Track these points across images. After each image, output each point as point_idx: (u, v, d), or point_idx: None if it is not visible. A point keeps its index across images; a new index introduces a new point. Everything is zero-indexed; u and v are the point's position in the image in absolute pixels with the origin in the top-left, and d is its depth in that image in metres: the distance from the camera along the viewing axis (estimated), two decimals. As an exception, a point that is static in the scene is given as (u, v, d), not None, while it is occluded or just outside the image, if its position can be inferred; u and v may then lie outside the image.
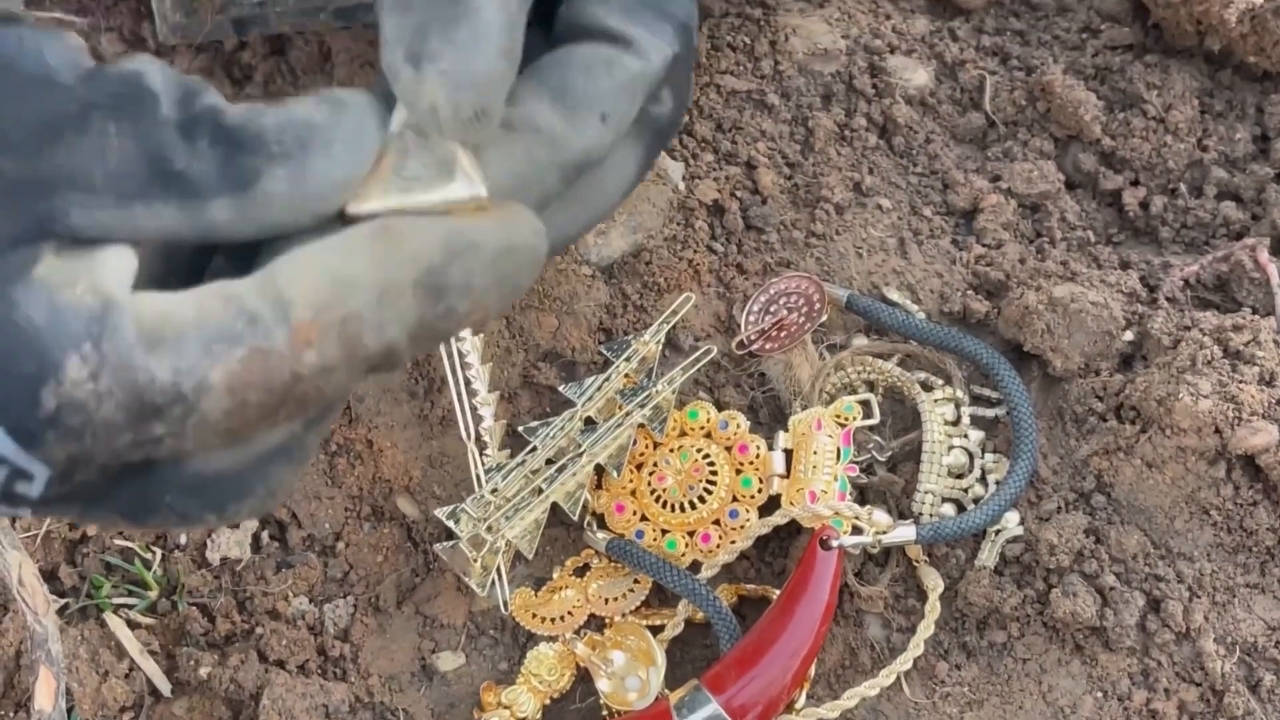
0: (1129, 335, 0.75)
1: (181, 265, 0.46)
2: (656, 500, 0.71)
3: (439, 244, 0.43)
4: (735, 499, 0.71)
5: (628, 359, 0.73)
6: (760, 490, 0.71)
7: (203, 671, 0.70)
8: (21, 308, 0.40)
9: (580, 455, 0.71)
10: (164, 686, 0.71)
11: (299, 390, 0.42)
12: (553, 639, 0.70)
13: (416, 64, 0.44)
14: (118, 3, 0.78)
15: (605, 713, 0.70)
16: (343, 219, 0.43)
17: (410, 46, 0.44)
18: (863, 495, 0.73)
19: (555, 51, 0.50)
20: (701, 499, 0.70)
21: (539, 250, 0.46)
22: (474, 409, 0.73)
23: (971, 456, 0.73)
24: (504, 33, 0.44)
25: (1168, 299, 0.78)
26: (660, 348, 0.74)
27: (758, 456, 0.71)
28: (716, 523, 0.70)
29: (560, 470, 0.71)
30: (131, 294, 0.41)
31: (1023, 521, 0.72)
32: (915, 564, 0.71)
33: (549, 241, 0.47)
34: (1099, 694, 0.69)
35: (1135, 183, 0.83)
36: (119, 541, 0.73)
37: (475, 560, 0.70)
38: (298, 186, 0.42)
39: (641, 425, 0.72)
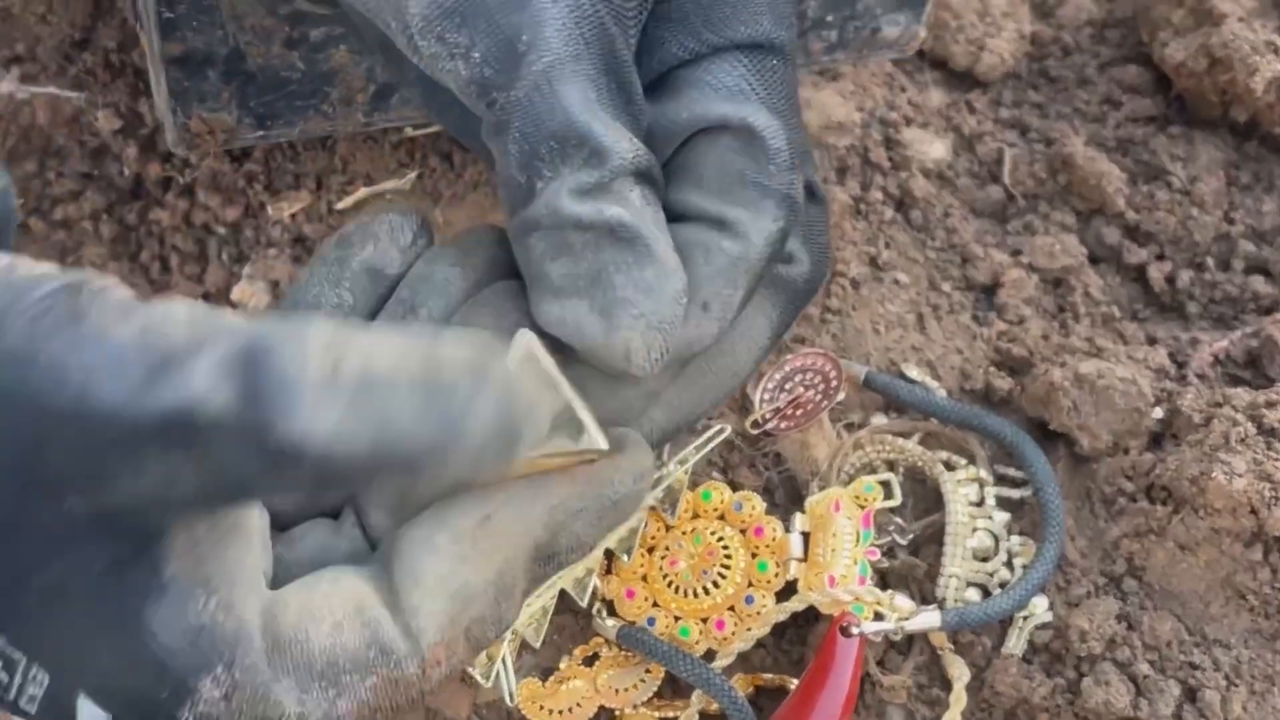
0: (1158, 413, 0.73)
1: None
2: (669, 585, 0.68)
3: (543, 524, 0.44)
4: (751, 584, 0.68)
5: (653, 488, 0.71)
6: (777, 575, 0.68)
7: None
8: (156, 633, 0.40)
9: (589, 539, 0.69)
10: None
11: (422, 699, 0.44)
12: (561, 732, 0.68)
13: (607, 314, 0.45)
14: (115, 79, 0.77)
15: (616, 810, 0.67)
16: None
17: (595, 297, 0.45)
18: (884, 580, 0.70)
19: None
20: (716, 584, 0.68)
21: (642, 492, 0.47)
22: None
23: (997, 539, 0.71)
24: (679, 274, 0.46)
25: (1197, 375, 0.76)
26: (689, 476, 0.71)
27: (774, 539, 0.69)
28: (731, 609, 0.68)
29: (568, 555, 0.69)
30: (261, 603, 0.42)
31: (1051, 607, 0.69)
32: (939, 652, 0.69)
33: (674, 424, 0.50)
34: (1135, 788, 0.66)
35: (1161, 257, 0.81)
36: None
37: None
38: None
39: (652, 507, 0.70)
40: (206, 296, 0.74)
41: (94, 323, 0.37)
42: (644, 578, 0.69)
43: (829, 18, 0.74)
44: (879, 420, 0.74)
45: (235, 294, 0.74)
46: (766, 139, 0.48)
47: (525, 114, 0.45)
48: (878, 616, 0.67)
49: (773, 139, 0.49)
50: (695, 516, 0.70)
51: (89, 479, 0.37)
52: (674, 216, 0.49)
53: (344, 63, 0.67)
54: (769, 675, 0.68)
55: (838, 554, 0.67)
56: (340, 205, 0.76)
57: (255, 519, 0.43)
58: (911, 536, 0.71)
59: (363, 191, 0.77)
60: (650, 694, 0.68)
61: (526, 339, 0.44)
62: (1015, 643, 0.68)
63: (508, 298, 0.49)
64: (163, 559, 0.39)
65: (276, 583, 0.45)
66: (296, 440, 0.36)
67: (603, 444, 0.44)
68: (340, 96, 0.69)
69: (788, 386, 0.72)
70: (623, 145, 0.45)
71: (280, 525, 0.47)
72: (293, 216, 0.76)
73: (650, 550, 0.70)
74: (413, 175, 0.77)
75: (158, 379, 0.36)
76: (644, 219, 0.46)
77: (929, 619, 0.67)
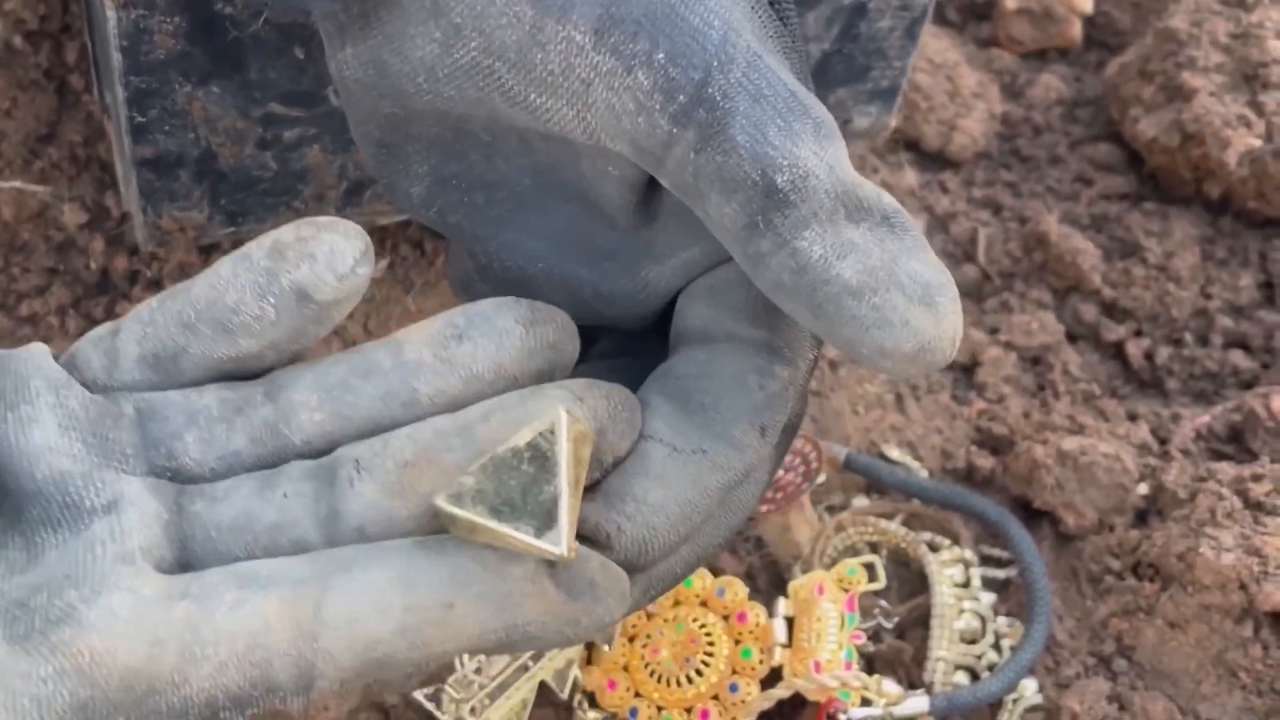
0: (1143, 489, 0.72)
1: None
2: (651, 675, 0.67)
3: (496, 635, 0.42)
4: (735, 671, 0.67)
5: None
6: (761, 661, 0.67)
7: None
8: None
9: (569, 629, 0.68)
10: None
11: None
12: (543, 829, 0.66)
13: (929, 302, 0.42)
14: (80, 173, 0.76)
15: None
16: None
17: (904, 287, 0.42)
18: (870, 664, 0.69)
19: (683, 362, 0.48)
20: (699, 672, 0.67)
21: (613, 624, 0.45)
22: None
23: (984, 620, 0.70)
24: None
25: (1180, 451, 0.75)
26: None
27: (757, 625, 0.67)
28: (716, 698, 0.67)
29: (548, 646, 0.68)
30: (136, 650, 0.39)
31: (1041, 689, 0.68)
32: (929, 737, 0.67)
33: (698, 556, 0.47)
34: None
35: (1139, 333, 0.81)
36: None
37: (458, 745, 0.66)
38: None
39: (633, 595, 0.69)
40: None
41: None
42: (625, 667, 0.68)
43: (800, 110, 0.74)
44: (860, 502, 0.74)
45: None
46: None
47: (749, 93, 0.42)
48: (865, 702, 0.65)
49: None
50: (677, 603, 0.69)
51: None
52: (703, 335, 0.48)
53: (317, 161, 0.67)
54: (755, 765, 0.67)
55: (823, 639, 0.66)
56: (310, 295, 0.75)
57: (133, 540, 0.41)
58: (897, 619, 0.70)
59: (333, 281, 0.76)
60: (634, 787, 0.67)
61: (563, 415, 0.42)
62: (1006, 726, 0.67)
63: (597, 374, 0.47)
64: None
65: (188, 555, 0.42)
66: None
67: (561, 551, 0.42)
68: (313, 193, 0.68)
69: (767, 469, 0.71)
70: (832, 120, 0.43)
71: (205, 479, 0.44)
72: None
73: (631, 639, 0.68)
74: (384, 264, 0.76)
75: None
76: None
77: (917, 704, 0.65)
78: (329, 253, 0.44)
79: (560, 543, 0.41)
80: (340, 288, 0.44)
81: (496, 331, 0.45)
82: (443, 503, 0.41)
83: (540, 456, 0.41)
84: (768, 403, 0.46)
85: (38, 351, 0.45)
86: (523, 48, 0.44)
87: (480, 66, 0.44)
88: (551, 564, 0.42)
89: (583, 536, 0.44)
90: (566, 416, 0.42)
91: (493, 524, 0.41)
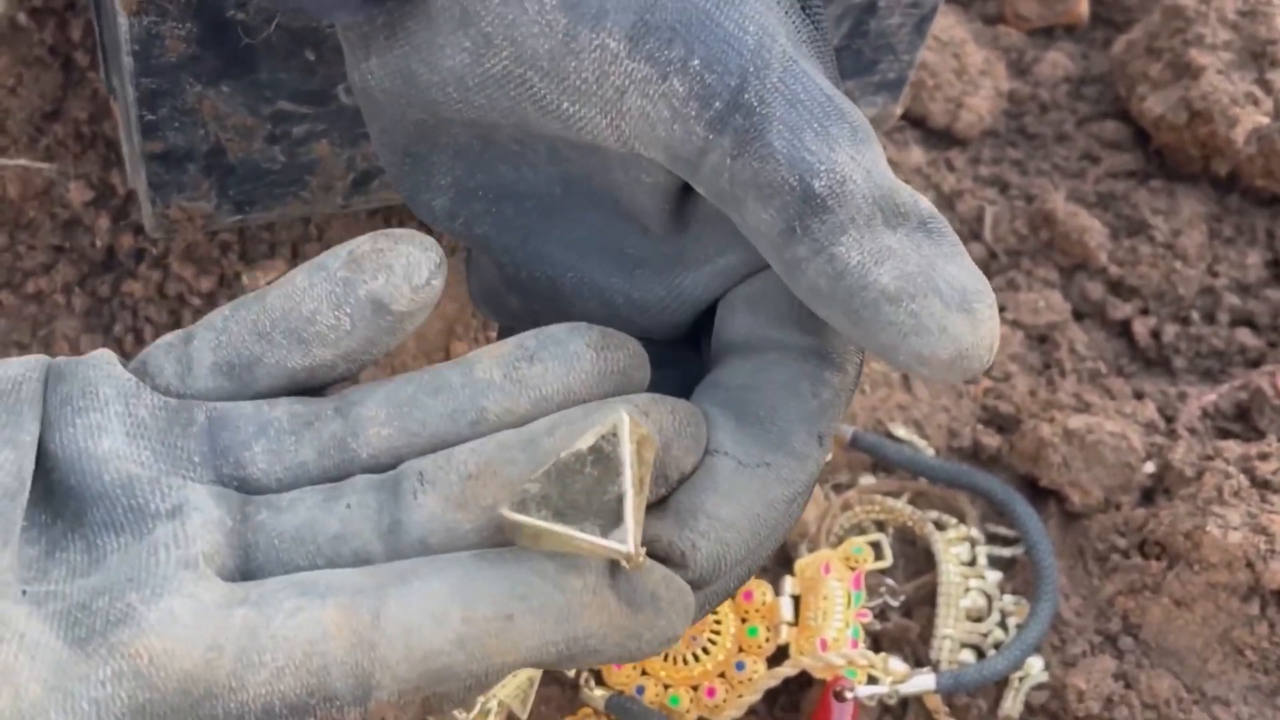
0: (1150, 467, 0.72)
1: None
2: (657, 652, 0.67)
3: (557, 647, 0.41)
4: (741, 649, 0.67)
5: None
6: (768, 639, 0.67)
7: None
8: None
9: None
10: None
11: None
12: (549, 806, 0.66)
13: (967, 308, 0.42)
14: (85, 150, 0.76)
15: None
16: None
17: (943, 292, 0.41)
18: (876, 642, 0.69)
19: (732, 372, 0.47)
20: (705, 650, 0.67)
21: (673, 638, 0.43)
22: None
23: (990, 599, 0.70)
24: None
25: (1187, 429, 0.75)
26: None
27: (764, 603, 0.67)
28: (722, 675, 0.67)
29: (554, 623, 0.68)
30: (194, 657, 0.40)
31: (1047, 667, 0.68)
32: (935, 715, 0.67)
33: (752, 568, 0.47)
34: None
35: (1145, 311, 0.81)
36: None
37: (465, 722, 0.66)
38: None
39: (639, 573, 0.68)
40: (181, 368, 0.73)
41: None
42: (632, 645, 0.68)
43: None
44: (867, 480, 0.73)
45: (211, 365, 0.73)
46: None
47: (786, 98, 0.42)
48: (871, 680, 0.66)
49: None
50: (683, 582, 0.69)
51: None
52: (748, 345, 0.48)
53: (325, 154, 0.66)
54: (762, 743, 0.67)
55: (829, 617, 0.66)
56: (316, 273, 0.75)
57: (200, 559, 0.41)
58: (903, 598, 0.70)
59: (339, 259, 0.76)
60: (640, 765, 0.67)
61: (625, 418, 0.42)
62: (1012, 704, 0.67)
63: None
64: None
65: (251, 563, 0.43)
66: None
67: (628, 549, 0.41)
68: (320, 184, 0.68)
69: (774, 448, 0.71)
70: (868, 124, 0.43)
71: (271, 490, 0.45)
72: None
73: (638, 617, 0.68)
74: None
75: None
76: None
77: (923, 682, 0.66)
78: (405, 264, 0.45)
79: (627, 540, 0.40)
80: (415, 299, 0.45)
81: (567, 355, 0.45)
82: (507, 511, 0.41)
83: (604, 459, 0.41)
84: (821, 410, 0.46)
85: (105, 358, 0.45)
86: (555, 56, 0.43)
87: (512, 75, 0.44)
88: (614, 576, 0.42)
89: (658, 555, 0.44)
90: (629, 418, 0.41)
91: (557, 527, 0.41)
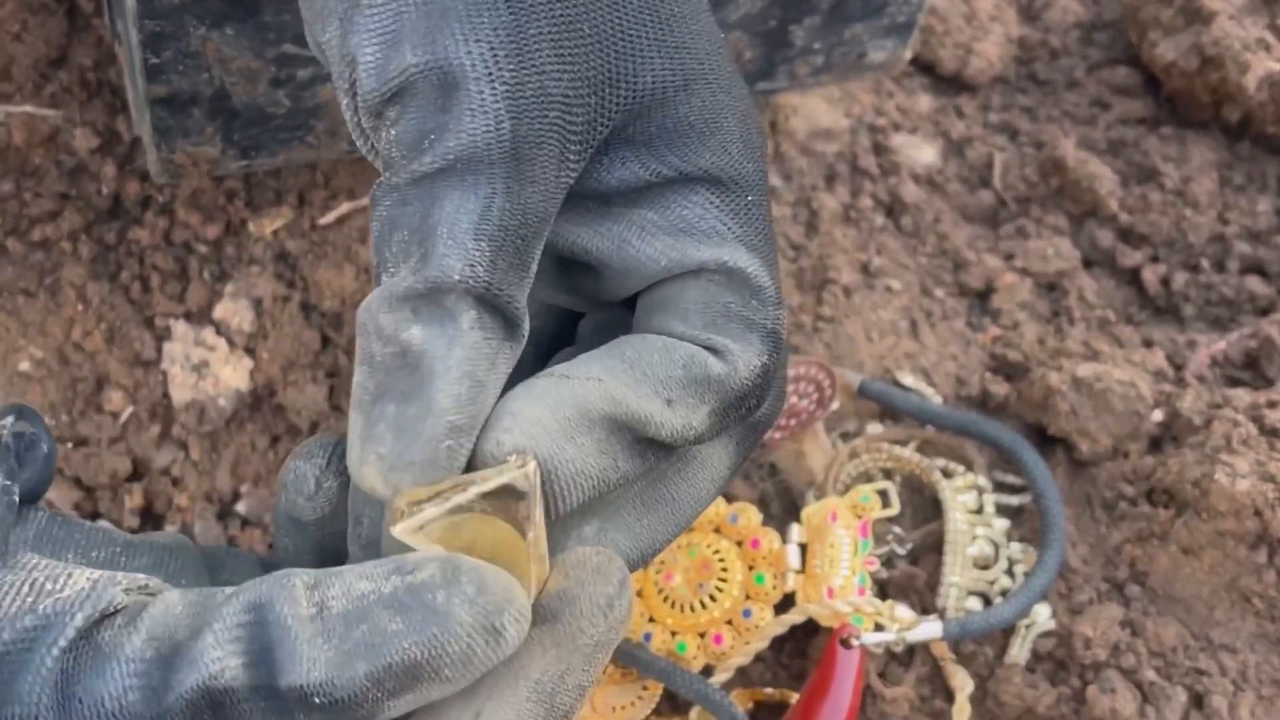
0: (1158, 415, 0.72)
1: None
2: (664, 600, 0.67)
3: (532, 702, 0.42)
4: (748, 597, 0.67)
5: None
6: (775, 587, 0.67)
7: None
8: None
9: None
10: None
11: None
12: (557, 752, 0.66)
13: (363, 443, 0.43)
14: (91, 97, 0.76)
15: (615, 830, 0.65)
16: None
17: (368, 419, 0.43)
18: (883, 590, 0.69)
19: (627, 340, 0.48)
20: (712, 598, 0.67)
21: (623, 611, 0.44)
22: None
23: (997, 547, 0.70)
24: (455, 410, 0.43)
25: (1196, 377, 0.75)
26: None
27: (771, 551, 0.67)
28: (729, 623, 0.67)
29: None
30: None
31: (1054, 614, 0.68)
32: (942, 662, 0.67)
33: (639, 551, 0.48)
34: (1143, 798, 0.65)
35: (1155, 259, 0.81)
36: None
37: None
38: None
39: (646, 521, 0.68)
40: (188, 316, 0.73)
41: (114, 651, 0.40)
42: (639, 592, 0.68)
43: (816, 45, 0.73)
44: (874, 429, 0.73)
45: (217, 313, 0.73)
46: (750, 276, 0.47)
47: (395, 201, 0.44)
48: (878, 628, 0.66)
49: (756, 276, 0.47)
50: (690, 529, 0.69)
51: None
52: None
53: (330, 98, 0.66)
54: (769, 690, 0.67)
55: (836, 565, 0.66)
56: (323, 221, 0.75)
57: None
58: (910, 546, 0.70)
59: (345, 206, 0.76)
60: (648, 711, 0.67)
61: (530, 468, 0.43)
62: (1018, 651, 0.67)
63: None
64: None
65: None
66: (300, 686, 0.39)
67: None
68: (326, 128, 0.68)
69: (781, 396, 0.71)
70: (452, 261, 0.43)
71: None
72: (275, 233, 0.75)
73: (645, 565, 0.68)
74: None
75: (172, 674, 0.40)
76: (447, 346, 0.43)
77: (930, 629, 0.66)
78: (294, 479, 0.48)
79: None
80: (314, 506, 0.48)
81: None
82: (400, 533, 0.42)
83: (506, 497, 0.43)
84: (685, 382, 0.46)
85: None
86: None
87: None
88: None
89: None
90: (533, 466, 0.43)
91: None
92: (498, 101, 0.43)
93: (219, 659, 0.39)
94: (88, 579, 0.42)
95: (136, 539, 0.48)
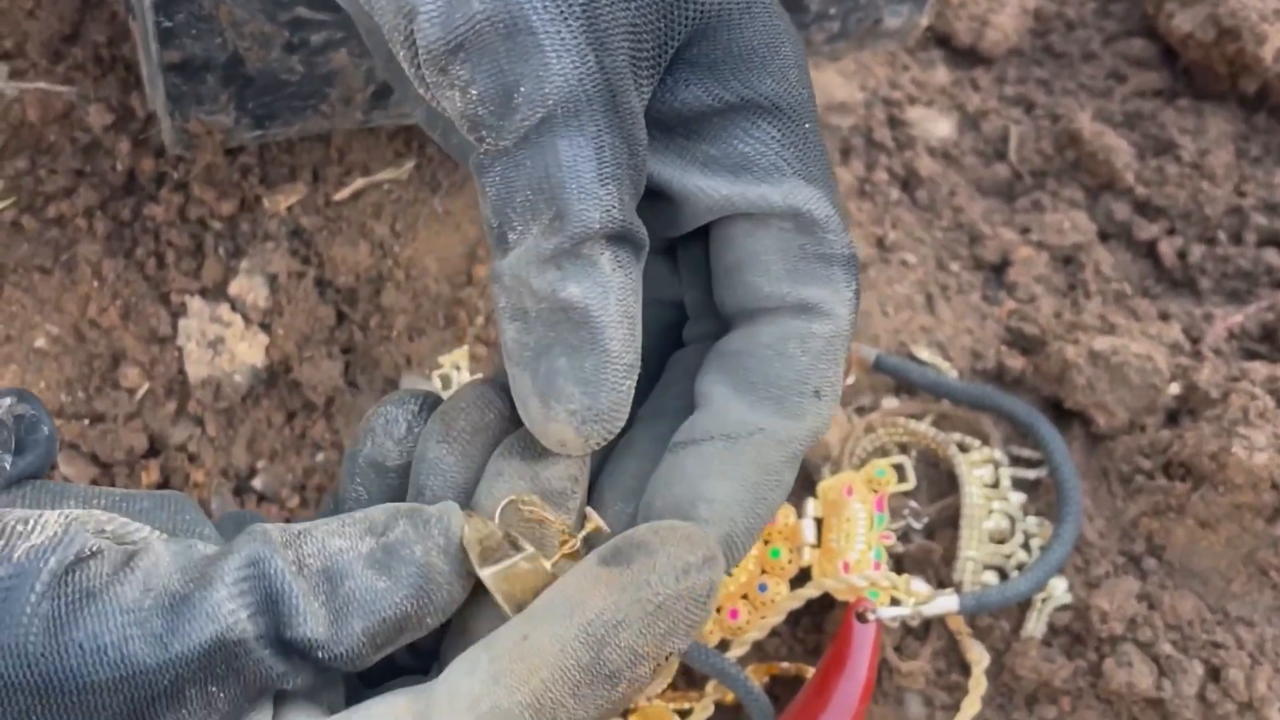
0: (1175, 388, 0.72)
1: None
2: (680, 575, 0.67)
3: (581, 641, 0.42)
4: (764, 571, 0.67)
5: None
6: (790, 561, 0.67)
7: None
8: None
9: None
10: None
11: None
12: (573, 726, 0.66)
13: (545, 401, 0.44)
14: (105, 74, 0.76)
15: (631, 804, 0.65)
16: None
17: (539, 376, 0.44)
18: (899, 564, 0.69)
19: (733, 338, 0.48)
20: (728, 572, 0.67)
21: (696, 590, 0.43)
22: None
23: (1013, 520, 0.70)
24: (626, 351, 0.44)
25: (1212, 350, 0.75)
26: None
27: (786, 525, 0.67)
28: (745, 597, 0.67)
29: (577, 546, 0.68)
30: None
31: (1070, 588, 0.68)
32: (958, 636, 0.67)
33: (768, 519, 0.47)
34: (1160, 771, 0.65)
35: (1172, 231, 0.80)
36: None
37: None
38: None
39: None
40: (204, 292, 0.73)
41: (111, 599, 0.41)
42: (655, 567, 0.68)
43: (831, 10, 0.72)
44: (890, 403, 0.73)
45: (232, 289, 0.73)
46: (814, 212, 0.47)
47: (507, 164, 0.44)
48: (894, 602, 0.66)
49: (820, 210, 0.47)
50: (706, 504, 0.69)
51: None
52: (752, 309, 0.48)
53: (344, 64, 0.66)
54: (785, 664, 0.67)
55: (851, 539, 0.66)
56: (338, 196, 0.75)
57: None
58: (926, 520, 0.70)
59: (360, 182, 0.76)
60: (664, 686, 0.66)
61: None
62: (1035, 625, 0.67)
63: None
64: None
65: None
66: (305, 639, 0.41)
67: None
68: (340, 96, 0.68)
69: (797, 370, 0.71)
70: (590, 212, 0.43)
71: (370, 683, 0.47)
72: (289, 209, 0.75)
73: (661, 539, 0.68)
74: (410, 165, 0.76)
75: (178, 624, 0.41)
76: (603, 294, 0.44)
77: (946, 603, 0.65)
78: (384, 423, 0.49)
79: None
80: (402, 449, 0.48)
81: None
82: (482, 571, 0.44)
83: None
84: (813, 365, 0.46)
85: None
86: None
87: None
88: (602, 553, 0.43)
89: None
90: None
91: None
92: (577, 37, 0.43)
93: (233, 611, 0.41)
94: (58, 522, 0.42)
95: (133, 490, 0.48)
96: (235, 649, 0.41)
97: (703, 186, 0.47)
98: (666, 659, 0.43)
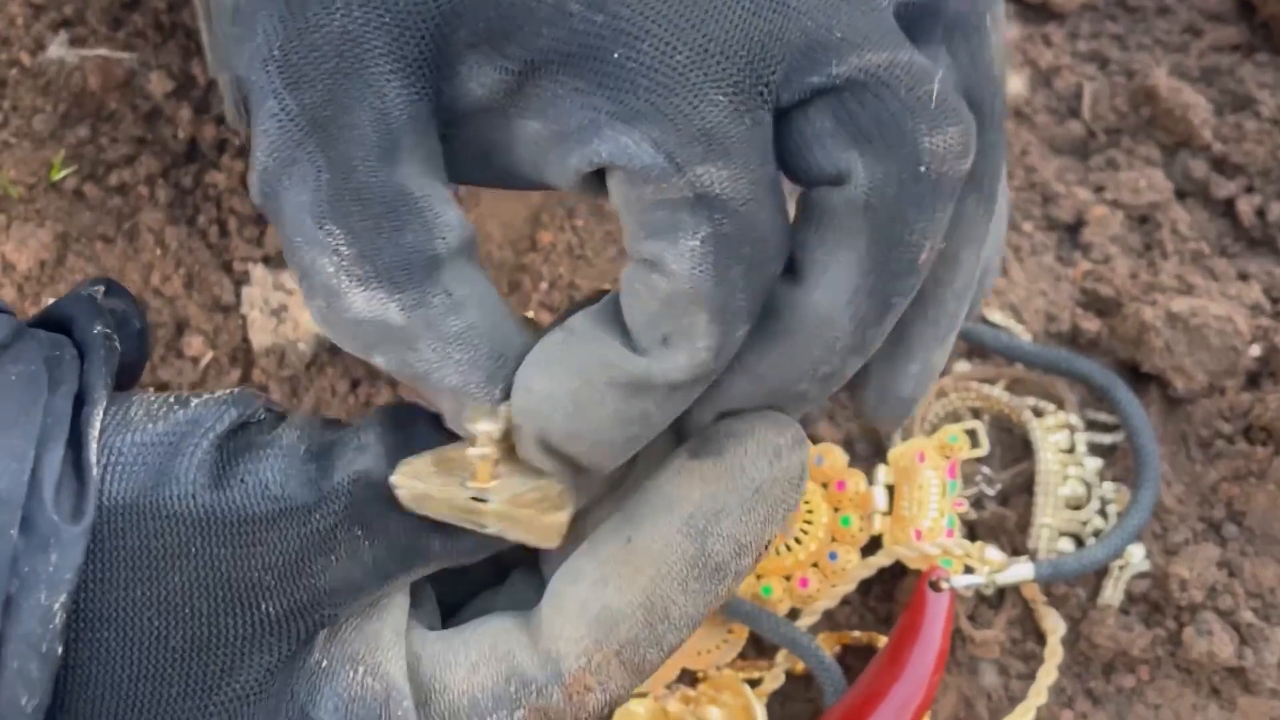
0: (1255, 350, 0.70)
1: None
2: (749, 543, 0.66)
3: (683, 534, 0.42)
4: (834, 539, 0.66)
5: None
6: (861, 529, 0.66)
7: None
8: (310, 709, 0.43)
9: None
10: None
11: None
12: (643, 696, 0.66)
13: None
14: (165, 40, 0.75)
15: (701, 775, 0.65)
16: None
17: None
18: (972, 532, 0.68)
19: None
20: (798, 540, 0.66)
21: (790, 472, 0.43)
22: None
23: (1089, 487, 0.68)
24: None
25: (1294, 311, 0.73)
26: None
27: (857, 493, 0.67)
28: (815, 565, 0.66)
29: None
30: (406, 662, 0.43)
31: (1149, 555, 0.67)
32: (1033, 605, 0.66)
33: (764, 392, 0.44)
34: (1241, 742, 0.64)
35: (1250, 189, 0.78)
36: None
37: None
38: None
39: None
40: (266, 260, 0.73)
41: (272, 442, 0.43)
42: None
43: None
44: (962, 367, 0.72)
45: (295, 256, 0.73)
46: (636, 158, 0.41)
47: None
48: (968, 570, 0.65)
49: (641, 154, 0.41)
50: (775, 471, 0.68)
51: (287, 576, 0.42)
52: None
53: None
54: (856, 633, 0.66)
55: (924, 506, 0.65)
56: (400, 162, 0.75)
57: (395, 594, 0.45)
58: (1000, 486, 0.69)
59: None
60: (734, 655, 0.66)
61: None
62: (1112, 593, 0.66)
63: None
64: (318, 645, 0.43)
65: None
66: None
67: (557, 526, 0.44)
68: None
69: (867, 334, 0.70)
70: (319, 259, 0.42)
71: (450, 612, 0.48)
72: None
73: (729, 507, 0.68)
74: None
75: (327, 465, 0.43)
76: (405, 347, 0.42)
77: (1021, 571, 0.65)
78: None
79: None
80: None
81: None
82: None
83: None
84: (662, 312, 0.42)
85: None
86: None
87: None
88: (692, 446, 0.44)
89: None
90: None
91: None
92: (273, 81, 0.41)
93: (376, 455, 0.43)
94: (228, 391, 0.44)
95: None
96: (379, 490, 0.42)
97: (545, 172, 0.44)
98: (766, 547, 0.44)
